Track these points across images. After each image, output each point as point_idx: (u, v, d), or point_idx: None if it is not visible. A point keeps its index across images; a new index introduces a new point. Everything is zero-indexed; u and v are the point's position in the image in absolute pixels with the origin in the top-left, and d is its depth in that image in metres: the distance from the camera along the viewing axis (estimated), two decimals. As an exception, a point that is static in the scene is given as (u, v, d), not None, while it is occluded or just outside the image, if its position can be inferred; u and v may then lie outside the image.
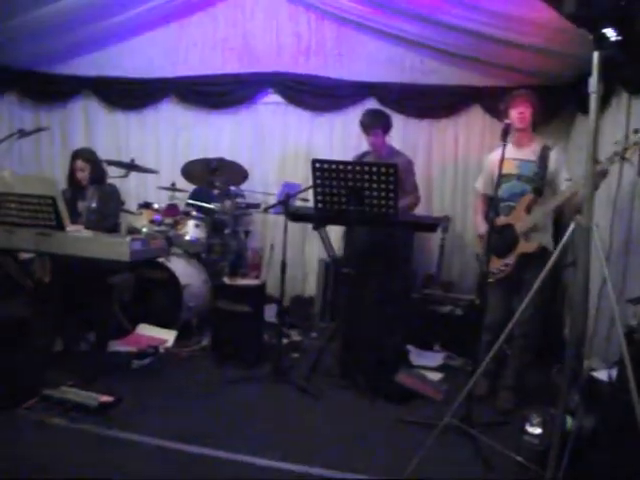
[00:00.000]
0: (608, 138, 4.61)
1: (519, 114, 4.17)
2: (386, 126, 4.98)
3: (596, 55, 2.59)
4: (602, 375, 3.24)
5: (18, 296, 4.97)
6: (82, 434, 3.43)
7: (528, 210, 4.14)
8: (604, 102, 4.61)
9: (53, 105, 7.39)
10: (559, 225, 4.62)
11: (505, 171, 4.01)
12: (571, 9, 2.47)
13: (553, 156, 4.18)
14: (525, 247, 4.11)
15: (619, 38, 2.54)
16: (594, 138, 2.64)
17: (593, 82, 2.60)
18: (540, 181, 4.13)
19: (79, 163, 4.96)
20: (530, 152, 4.22)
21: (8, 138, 4.91)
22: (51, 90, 7.28)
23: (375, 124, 4.91)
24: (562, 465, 2.77)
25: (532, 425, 3.25)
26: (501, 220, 4.19)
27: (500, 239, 4.13)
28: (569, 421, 3.10)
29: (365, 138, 5.02)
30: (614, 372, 3.06)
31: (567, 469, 2.79)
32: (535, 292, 2.89)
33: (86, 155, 5.03)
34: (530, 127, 4.26)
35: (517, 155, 4.22)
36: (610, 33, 2.52)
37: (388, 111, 5.44)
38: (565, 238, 2.75)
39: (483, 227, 4.37)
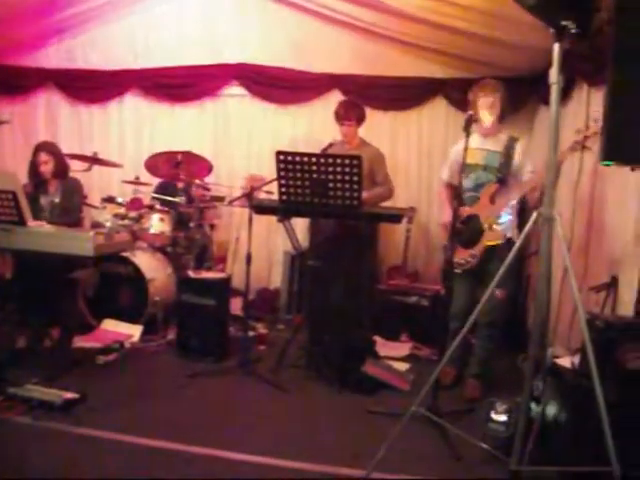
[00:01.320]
0: (569, 129, 4.67)
1: (490, 102, 4.15)
2: (360, 117, 5.00)
3: (556, 47, 2.62)
4: (565, 362, 3.29)
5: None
6: (47, 432, 3.39)
7: (492, 200, 4.16)
8: (565, 94, 4.67)
9: (14, 98, 7.26)
10: (523, 216, 4.66)
11: (472, 161, 4.05)
12: (531, 1, 2.50)
13: (519, 148, 4.19)
14: (490, 238, 4.13)
15: (579, 30, 2.57)
16: (555, 129, 2.67)
17: (554, 73, 2.63)
18: (504, 171, 4.15)
19: (42, 156, 4.88)
20: (497, 142, 4.23)
21: (-33, 132, 4.81)
22: (12, 82, 7.15)
23: (350, 115, 4.93)
24: (527, 451, 2.81)
25: (497, 413, 3.29)
26: (466, 210, 4.20)
27: (466, 230, 4.16)
28: (533, 408, 3.15)
29: (338, 128, 5.01)
30: (577, 359, 3.11)
31: (532, 455, 2.83)
32: (499, 282, 2.91)
33: (49, 148, 4.96)
34: (498, 117, 4.25)
35: (484, 145, 4.24)
36: (570, 25, 2.55)
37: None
38: (527, 227, 2.78)
39: (447, 216, 4.33)
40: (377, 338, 5.34)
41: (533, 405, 3.14)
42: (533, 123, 6.15)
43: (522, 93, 5.91)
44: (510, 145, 4.19)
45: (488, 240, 4.13)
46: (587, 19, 2.60)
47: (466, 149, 3.68)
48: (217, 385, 4.33)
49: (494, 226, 4.14)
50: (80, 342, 4.89)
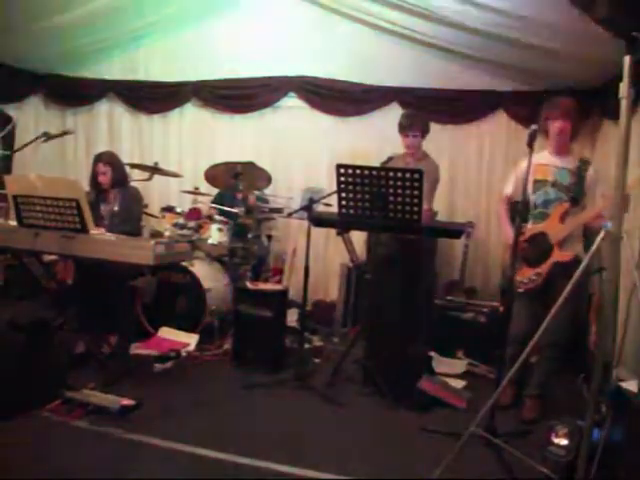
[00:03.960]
0: (635, 144, 4.54)
1: (558, 129, 4.04)
2: (425, 129, 4.92)
3: (627, 59, 2.54)
4: (631, 385, 3.18)
5: (42, 297, 5.00)
6: (103, 437, 3.43)
7: (562, 219, 4.05)
8: (632, 107, 4.55)
9: (78, 108, 7.45)
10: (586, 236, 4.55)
11: (541, 177, 3.99)
12: (603, 13, 2.43)
13: (591, 170, 4.06)
14: (560, 256, 4.01)
15: (651, 42, 2.49)
16: (625, 145, 2.59)
17: (624, 87, 2.56)
18: (577, 191, 4.03)
19: (100, 167, 4.96)
20: (568, 161, 4.12)
21: (34, 141, 4.92)
22: (77, 93, 7.36)
23: (414, 126, 4.85)
24: (590, 478, 2.72)
25: (558, 436, 3.19)
26: (534, 228, 4.12)
27: (532, 248, 4.07)
28: (596, 432, 3.05)
29: (401, 140, 4.94)
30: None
31: (594, 482, 2.74)
32: (565, 301, 2.84)
33: (107, 158, 5.03)
34: (569, 138, 4.15)
35: (555, 162, 4.13)
36: (641, 37, 2.48)
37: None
38: (594, 246, 2.70)
39: (510, 235, 4.25)
40: (433, 354, 5.28)
41: (595, 429, 3.04)
42: (595, 138, 6.02)
43: (584, 106, 5.78)
44: (582, 167, 4.07)
45: (558, 257, 4.02)
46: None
47: (529, 164, 3.59)
48: (271, 397, 4.32)
49: (564, 244, 4.05)
50: (137, 349, 4.95)
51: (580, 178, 4.04)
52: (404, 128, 4.88)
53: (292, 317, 5.79)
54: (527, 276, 4.10)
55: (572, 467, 2.79)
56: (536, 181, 3.95)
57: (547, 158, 4.14)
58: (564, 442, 3.16)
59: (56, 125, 7.16)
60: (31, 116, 7.39)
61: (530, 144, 3.56)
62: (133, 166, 5.76)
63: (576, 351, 4.98)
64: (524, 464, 3.11)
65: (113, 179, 4.98)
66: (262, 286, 5.20)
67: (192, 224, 5.71)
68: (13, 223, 4.37)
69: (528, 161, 3.58)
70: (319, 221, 4.60)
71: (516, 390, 4.33)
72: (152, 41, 6.93)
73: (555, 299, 3.23)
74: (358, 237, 5.91)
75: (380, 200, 3.99)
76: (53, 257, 5.11)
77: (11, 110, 7.12)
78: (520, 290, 4.09)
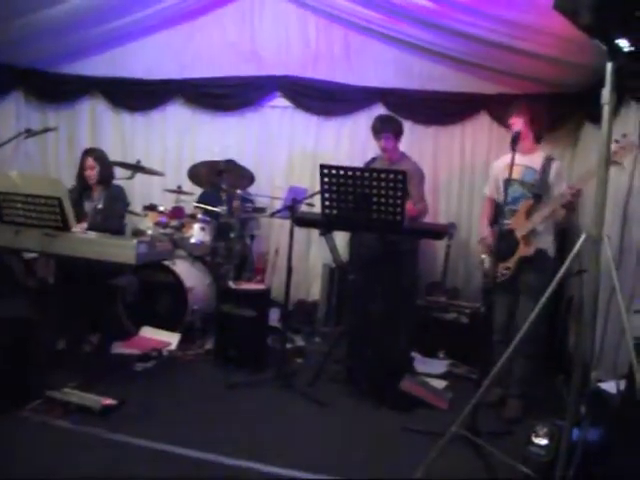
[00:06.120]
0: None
1: (510, 125, 4.25)
2: (397, 131, 4.97)
3: (609, 66, 2.57)
4: (610, 387, 3.22)
5: (22, 296, 4.96)
6: (84, 437, 3.41)
7: (527, 215, 4.18)
8: (613, 112, 4.59)
9: (60, 105, 7.38)
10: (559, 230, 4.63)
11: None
12: (586, 20, 2.45)
13: (554, 166, 4.23)
14: (524, 251, 4.17)
15: (632, 49, 2.52)
16: (607, 149, 2.62)
17: (606, 93, 2.59)
18: (541, 188, 4.18)
19: (89, 161, 4.96)
20: (534, 160, 4.27)
21: (15, 138, 4.88)
22: (58, 90, 7.27)
23: (386, 128, 4.91)
24: (569, 477, 2.74)
25: (538, 436, 3.22)
26: (505, 225, 4.20)
27: (503, 244, 4.15)
28: (575, 433, 3.08)
29: (376, 143, 5.00)
30: (622, 384, 3.04)
31: (574, 481, 2.77)
32: (537, 298, 2.90)
33: (97, 154, 5.05)
34: (530, 137, 4.27)
35: (522, 161, 4.22)
36: (624, 44, 2.50)
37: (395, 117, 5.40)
38: (576, 248, 2.72)
39: (485, 231, 4.50)
40: (415, 354, 5.30)
41: (575, 430, 3.07)
42: (577, 139, 6.06)
43: (566, 109, 5.84)
44: (547, 164, 4.22)
45: (522, 252, 4.17)
46: (641, 37, 2.54)
47: (512, 165, 3.70)
48: (253, 397, 4.32)
49: (529, 239, 4.17)
50: (119, 348, 4.93)
51: (544, 175, 4.20)
52: (377, 131, 4.94)
53: (274, 317, 5.78)
54: (497, 271, 4.18)
55: (553, 467, 2.81)
56: (507, 180, 4.03)
57: (516, 158, 4.21)
58: (544, 442, 3.18)
59: (37, 121, 7.10)
60: (11, 112, 7.28)
61: (513, 146, 3.68)
62: (115, 164, 5.72)
63: (557, 352, 5.03)
64: (505, 463, 3.13)
65: (100, 176, 4.98)
66: (244, 286, 5.20)
67: (174, 223, 5.69)
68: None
69: (511, 161, 3.72)
70: (302, 221, 4.60)
71: (503, 390, 4.37)
72: (135, 38, 6.89)
73: (525, 289, 3.26)
74: (341, 237, 5.92)
75: (363, 201, 3.99)
76: (33, 255, 5.07)
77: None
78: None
